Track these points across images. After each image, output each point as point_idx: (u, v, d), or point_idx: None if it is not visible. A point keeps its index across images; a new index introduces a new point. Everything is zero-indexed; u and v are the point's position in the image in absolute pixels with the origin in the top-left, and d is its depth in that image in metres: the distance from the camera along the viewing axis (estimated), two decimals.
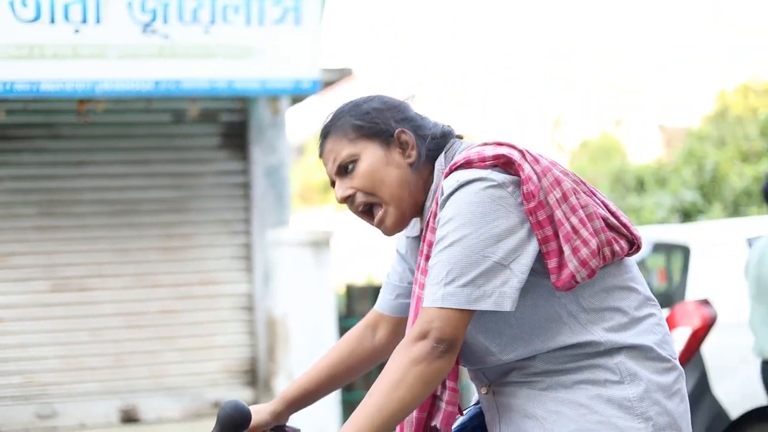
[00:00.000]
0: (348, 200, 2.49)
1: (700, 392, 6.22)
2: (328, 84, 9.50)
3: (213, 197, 9.52)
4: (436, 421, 2.44)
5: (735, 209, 14.41)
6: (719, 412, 6.23)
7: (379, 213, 2.48)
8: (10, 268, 9.13)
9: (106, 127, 9.32)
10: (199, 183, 9.51)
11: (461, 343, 2.30)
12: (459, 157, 2.37)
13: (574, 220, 2.31)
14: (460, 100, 35.63)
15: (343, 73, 9.65)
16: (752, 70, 25.97)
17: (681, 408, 2.40)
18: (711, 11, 35.91)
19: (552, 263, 2.30)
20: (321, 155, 2.55)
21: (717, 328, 6.28)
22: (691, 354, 6.24)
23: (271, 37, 8.33)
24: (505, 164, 2.31)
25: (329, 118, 2.53)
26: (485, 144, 2.41)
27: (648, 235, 7.48)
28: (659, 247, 7.30)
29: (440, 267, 2.27)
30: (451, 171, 2.36)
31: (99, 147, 9.36)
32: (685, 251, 6.67)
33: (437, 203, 2.37)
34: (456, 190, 2.30)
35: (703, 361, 6.25)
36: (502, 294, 2.25)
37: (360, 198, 2.48)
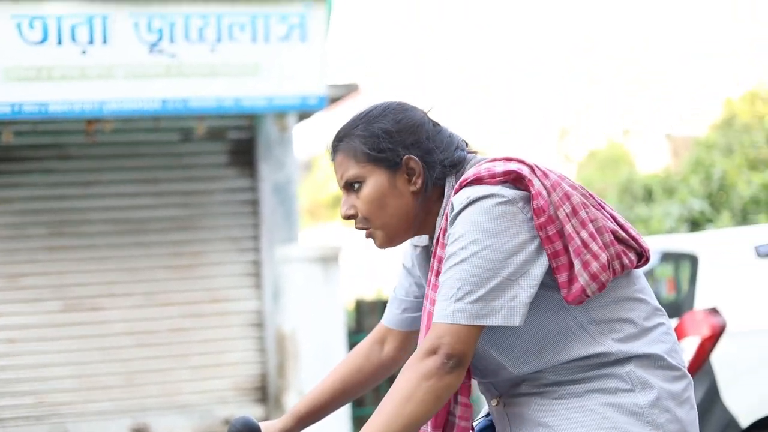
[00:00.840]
0: (349, 217, 2.55)
1: (710, 401, 6.21)
2: (334, 100, 9.54)
3: (221, 215, 9.55)
4: None
5: (743, 217, 14.38)
6: (729, 420, 6.21)
7: (367, 232, 2.54)
8: (21, 289, 9.17)
9: (115, 146, 9.37)
10: (207, 201, 9.54)
11: (471, 358, 2.33)
12: (469, 174, 2.39)
13: (584, 234, 2.33)
14: (484, 95, 35.66)
15: (350, 89, 9.70)
16: (759, 76, 25.95)
17: (691, 415, 2.43)
18: (733, 6, 35.83)
19: (562, 277, 2.33)
20: (333, 161, 2.59)
21: (726, 337, 6.27)
22: (700, 363, 6.23)
23: (277, 54, 8.38)
24: (515, 180, 2.33)
25: (342, 129, 2.55)
26: (495, 159, 2.42)
27: (656, 244, 7.48)
28: (667, 257, 7.30)
29: (451, 283, 2.30)
30: (461, 187, 2.38)
31: (107, 167, 9.41)
32: (693, 260, 6.67)
33: (447, 219, 2.40)
34: (466, 206, 2.32)
35: (713, 369, 6.24)
36: (511, 309, 2.27)
37: (359, 222, 2.54)
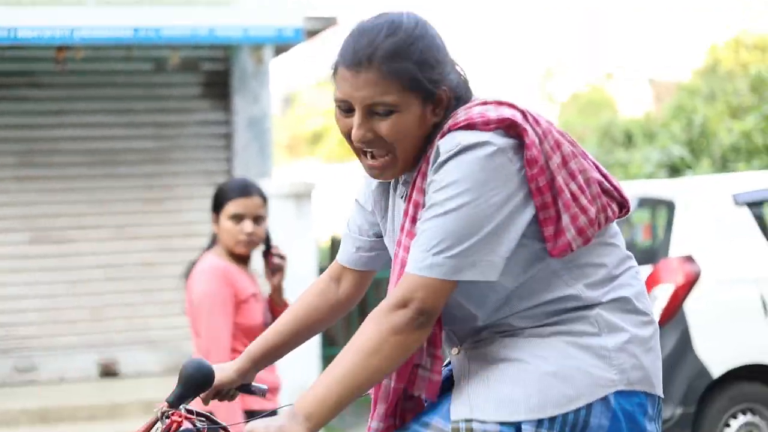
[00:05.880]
0: (363, 140, 2.29)
1: (682, 350, 6.17)
2: (312, 33, 9.37)
3: (195, 148, 9.43)
4: (420, 391, 2.37)
5: (723, 165, 14.35)
6: (701, 369, 6.18)
7: (382, 160, 2.31)
8: None
9: (86, 75, 9.21)
10: (180, 133, 9.41)
11: (440, 313, 2.23)
12: (459, 117, 2.24)
13: (573, 187, 2.23)
14: (467, 33, 35.52)
15: (328, 22, 9.51)
16: (743, 24, 25.89)
17: (656, 365, 2.35)
18: None
19: (549, 231, 2.23)
20: (351, 71, 2.26)
21: (700, 285, 6.22)
22: (673, 311, 6.18)
23: None
24: (508, 127, 2.20)
25: (387, 45, 2.24)
26: (485, 103, 2.28)
27: (633, 190, 7.41)
28: (644, 203, 7.23)
29: (431, 234, 2.18)
30: (449, 130, 2.23)
31: (79, 96, 9.25)
32: (670, 207, 6.60)
33: (428, 163, 2.26)
34: (457, 153, 2.18)
35: (686, 318, 6.20)
36: (489, 264, 2.18)
37: (375, 146, 2.29)
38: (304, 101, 30.37)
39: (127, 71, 9.32)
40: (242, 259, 4.29)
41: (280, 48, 9.64)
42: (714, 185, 7.02)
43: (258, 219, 4.25)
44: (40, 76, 9.16)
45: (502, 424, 2.23)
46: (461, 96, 2.36)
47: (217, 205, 4.22)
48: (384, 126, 2.27)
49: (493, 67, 34.54)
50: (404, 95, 2.25)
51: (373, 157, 2.32)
